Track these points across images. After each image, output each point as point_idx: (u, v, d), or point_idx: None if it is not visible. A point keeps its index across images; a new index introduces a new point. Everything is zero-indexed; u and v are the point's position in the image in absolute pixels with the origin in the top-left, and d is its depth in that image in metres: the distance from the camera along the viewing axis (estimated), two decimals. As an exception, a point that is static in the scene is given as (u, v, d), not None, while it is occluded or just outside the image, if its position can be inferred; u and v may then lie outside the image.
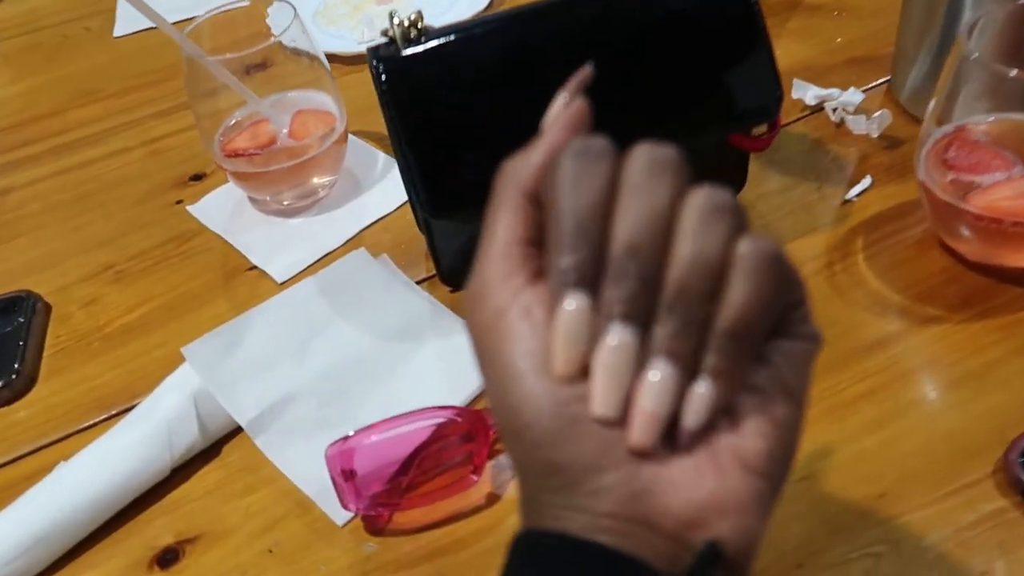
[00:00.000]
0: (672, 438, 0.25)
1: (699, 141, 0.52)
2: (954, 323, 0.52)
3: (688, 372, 0.24)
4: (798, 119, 0.68)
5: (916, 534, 0.43)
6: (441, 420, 0.49)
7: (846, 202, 0.60)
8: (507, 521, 0.47)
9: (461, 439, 0.49)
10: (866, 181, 0.61)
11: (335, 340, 0.56)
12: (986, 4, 0.57)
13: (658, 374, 0.24)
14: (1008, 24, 0.52)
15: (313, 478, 0.50)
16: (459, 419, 0.48)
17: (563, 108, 0.28)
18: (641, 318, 0.24)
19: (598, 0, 0.50)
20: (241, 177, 0.68)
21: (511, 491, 0.49)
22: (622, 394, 0.25)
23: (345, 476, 0.47)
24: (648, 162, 0.25)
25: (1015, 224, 0.49)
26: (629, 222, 0.24)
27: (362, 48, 0.82)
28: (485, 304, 0.26)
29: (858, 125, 0.65)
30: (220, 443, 0.54)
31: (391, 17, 0.50)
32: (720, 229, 0.24)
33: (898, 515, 0.43)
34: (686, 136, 0.51)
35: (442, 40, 0.50)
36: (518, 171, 0.27)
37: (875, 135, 0.64)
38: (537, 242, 0.26)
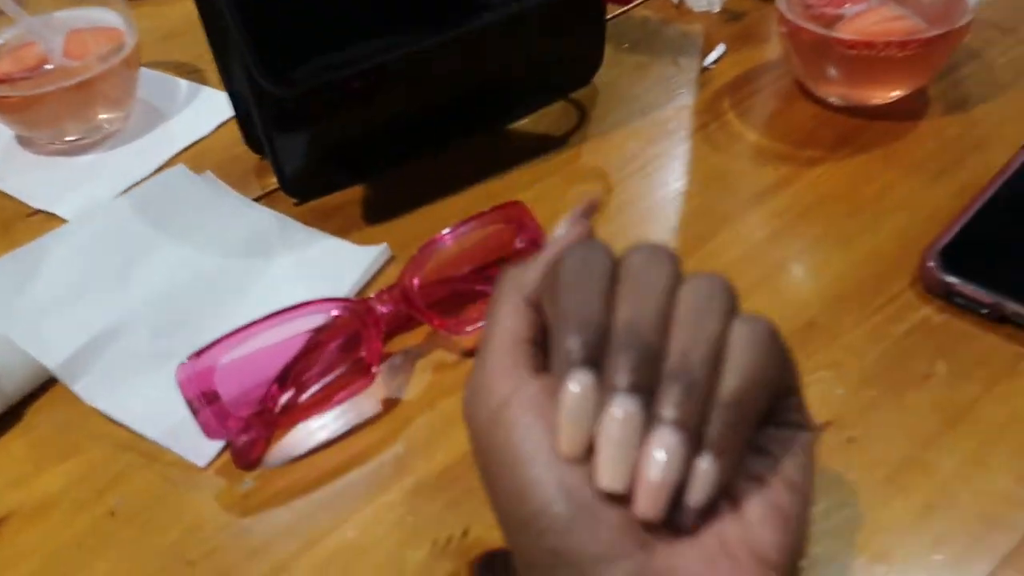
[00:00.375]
0: (682, 527, 0.24)
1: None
2: (837, 160, 0.50)
3: (691, 444, 0.24)
4: (637, 4, 0.65)
5: (856, 353, 0.40)
6: (320, 318, 0.40)
7: (705, 70, 0.58)
8: (410, 426, 0.40)
9: (347, 341, 0.41)
10: (720, 48, 0.59)
11: (162, 263, 0.46)
12: None
13: (662, 442, 0.23)
14: None
15: (157, 419, 0.40)
16: (342, 313, 0.40)
17: (569, 228, 0.29)
18: (644, 391, 0.24)
19: None
20: (6, 109, 0.56)
21: (412, 392, 0.41)
22: (627, 466, 0.24)
23: (207, 399, 0.38)
24: (646, 253, 0.26)
25: (887, 45, 0.48)
26: (629, 303, 0.25)
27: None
28: (488, 396, 0.26)
29: (699, 2, 0.63)
30: (20, 407, 0.42)
31: None
32: (718, 307, 0.25)
33: (833, 339, 0.41)
34: None
35: None
36: (520, 279, 0.28)
37: (716, 9, 0.63)
38: (540, 343, 0.27)
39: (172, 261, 0.46)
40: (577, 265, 0.26)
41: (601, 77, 0.58)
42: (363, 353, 0.40)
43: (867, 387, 0.38)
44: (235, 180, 0.54)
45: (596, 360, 0.24)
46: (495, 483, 0.25)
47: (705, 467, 0.24)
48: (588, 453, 0.24)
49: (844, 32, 0.49)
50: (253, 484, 0.38)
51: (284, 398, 0.40)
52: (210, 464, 0.39)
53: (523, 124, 0.56)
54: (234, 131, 0.55)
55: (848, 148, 0.51)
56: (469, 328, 0.41)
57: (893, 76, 0.51)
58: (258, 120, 0.48)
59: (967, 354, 0.39)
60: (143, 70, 0.62)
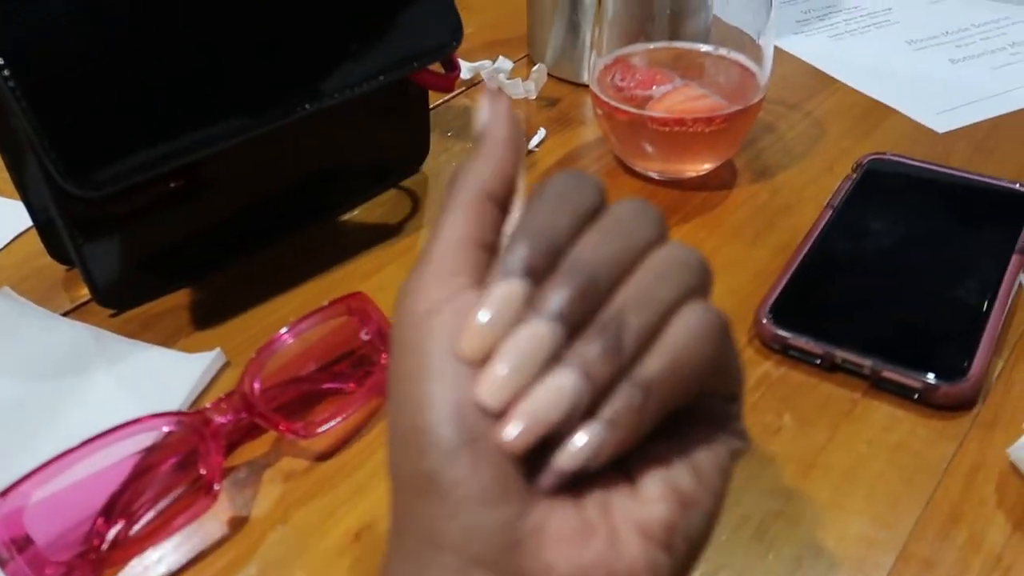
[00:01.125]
0: (538, 487, 0.23)
1: (378, 80, 0.47)
2: (664, 231, 0.52)
3: (587, 400, 0.22)
4: (458, 93, 0.66)
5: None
6: (149, 437, 0.36)
7: (529, 153, 0.60)
8: (262, 546, 0.36)
9: (182, 459, 0.38)
10: (541, 132, 0.61)
11: (-45, 394, 0.41)
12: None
13: (560, 381, 0.22)
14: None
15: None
16: (176, 428, 0.36)
17: (490, 107, 0.26)
18: (568, 328, 0.22)
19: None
20: None
21: (261, 507, 0.38)
22: (513, 388, 0.22)
23: (18, 546, 0.33)
24: (636, 206, 0.24)
25: (695, 121, 0.51)
26: (595, 240, 0.23)
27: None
28: (418, 298, 0.23)
29: (516, 89, 0.65)
30: None
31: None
32: (681, 281, 0.23)
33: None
34: (363, 78, 0.48)
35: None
36: (478, 170, 0.25)
37: (534, 96, 0.65)
38: (490, 247, 0.24)
39: (-33, 391, 0.41)
40: (562, 187, 0.24)
41: (430, 164, 0.58)
42: (202, 470, 0.37)
43: (723, 446, 0.39)
44: (40, 295, 0.49)
45: (536, 277, 0.22)
46: (394, 394, 0.23)
47: (588, 433, 0.22)
48: (484, 360, 0.22)
49: (655, 111, 0.52)
50: (81, 637, 0.33)
51: (112, 532, 0.36)
52: (26, 621, 0.34)
53: (357, 215, 0.55)
54: (34, 242, 0.50)
55: (673, 218, 0.53)
56: (320, 429, 0.39)
57: (703, 149, 0.54)
58: (62, 227, 0.44)
59: (808, 404, 0.41)
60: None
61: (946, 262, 0.47)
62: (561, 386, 0.22)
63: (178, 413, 0.37)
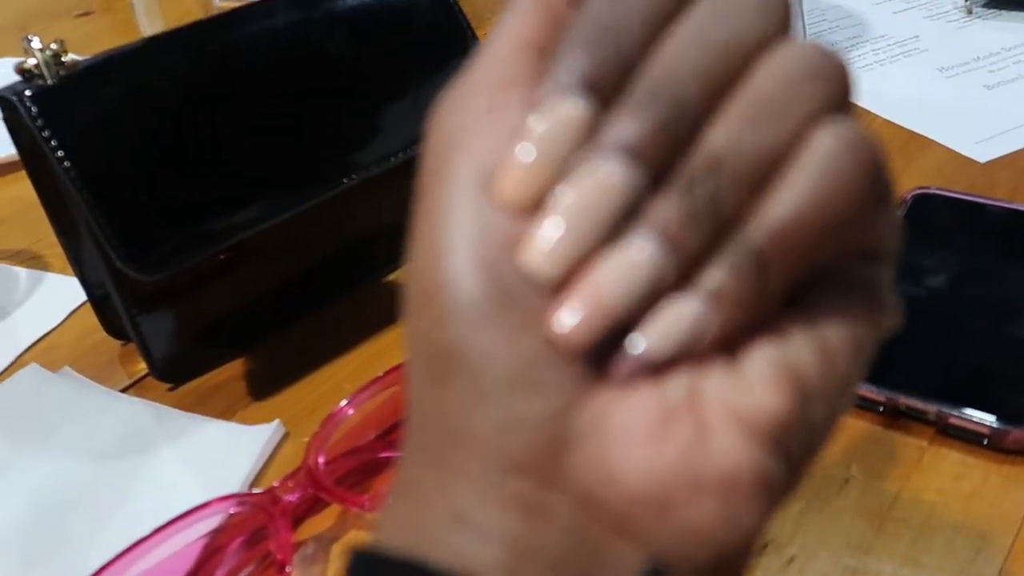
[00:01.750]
0: (611, 375, 0.17)
1: (415, 149, 0.48)
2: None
3: (680, 272, 0.16)
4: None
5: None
6: (213, 521, 0.37)
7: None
8: (336, 623, 0.36)
9: (249, 538, 0.38)
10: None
11: (23, 479, 0.41)
12: None
13: (639, 250, 0.16)
14: None
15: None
16: (239, 509, 0.37)
17: None
18: (650, 171, 0.16)
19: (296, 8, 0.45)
20: None
21: (331, 583, 0.38)
22: (571, 253, 0.16)
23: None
24: None
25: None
26: (688, 42, 0.16)
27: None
28: (460, 109, 0.18)
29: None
30: None
31: (28, 42, 0.40)
32: (810, 99, 0.16)
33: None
34: (401, 147, 0.49)
35: (103, 66, 0.41)
36: None
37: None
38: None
39: (35, 476, 0.41)
40: None
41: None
42: (273, 549, 0.37)
43: (794, 499, 0.39)
44: (98, 372, 0.49)
45: (603, 93, 0.16)
46: (416, 233, 0.17)
47: (684, 309, 0.16)
48: (532, 206, 0.16)
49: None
50: None
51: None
52: None
53: (397, 275, 0.55)
54: (88, 318, 0.51)
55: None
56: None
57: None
58: (119, 303, 0.45)
59: (876, 453, 0.41)
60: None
61: (1004, 299, 0.46)
62: (637, 258, 0.16)
63: (246, 494, 0.37)
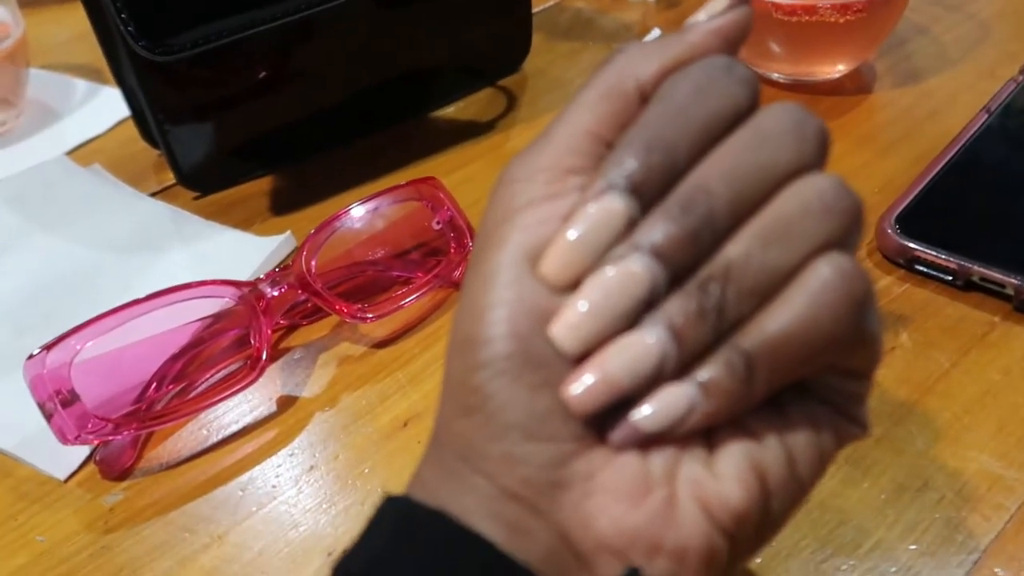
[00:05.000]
0: (608, 440, 0.19)
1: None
2: (783, 135, 0.47)
3: (681, 365, 0.18)
4: (571, -6, 0.62)
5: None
6: (204, 307, 0.35)
7: (641, 53, 0.55)
8: (307, 426, 0.34)
9: (241, 336, 0.36)
10: (656, 32, 0.56)
11: (32, 255, 0.41)
12: None
13: (649, 338, 0.18)
14: None
15: (13, 427, 0.34)
16: (225, 297, 0.35)
17: (723, 8, 0.21)
18: (672, 272, 0.18)
19: None
20: None
21: (312, 388, 0.36)
22: (593, 331, 0.18)
23: (62, 400, 0.32)
24: (791, 118, 0.19)
25: (831, 8, 0.45)
26: (727, 164, 0.19)
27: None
28: (517, 189, 0.20)
29: (634, -11, 0.60)
30: None
31: None
32: (820, 230, 0.18)
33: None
34: None
35: None
36: (637, 58, 0.20)
37: (652, 0, 0.60)
38: None
39: (44, 254, 0.41)
40: (702, 79, 0.19)
41: (531, 64, 0.55)
42: (252, 342, 0.35)
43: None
44: (130, 176, 0.49)
45: (646, 196, 0.19)
46: (464, 291, 0.20)
47: (677, 395, 0.18)
48: (569, 286, 0.19)
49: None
50: (121, 496, 0.33)
51: (162, 399, 0.35)
52: (72, 476, 0.33)
53: (447, 111, 0.52)
54: (132, 129, 0.50)
55: (794, 124, 0.47)
56: (373, 315, 0.36)
57: (836, 46, 0.48)
58: (146, 107, 0.44)
59: (933, 324, 0.35)
60: (40, 72, 0.58)
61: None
62: (645, 345, 0.18)
63: (230, 282, 0.35)
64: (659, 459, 0.19)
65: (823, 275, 0.18)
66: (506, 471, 0.18)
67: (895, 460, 0.30)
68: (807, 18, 0.46)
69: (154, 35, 0.38)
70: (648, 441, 0.19)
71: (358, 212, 0.38)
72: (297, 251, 0.36)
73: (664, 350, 0.18)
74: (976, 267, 0.35)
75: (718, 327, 0.18)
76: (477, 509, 0.18)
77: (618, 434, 0.19)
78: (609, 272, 0.18)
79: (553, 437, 0.18)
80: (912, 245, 0.37)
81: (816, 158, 0.19)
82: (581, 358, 0.19)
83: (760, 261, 0.18)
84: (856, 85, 0.50)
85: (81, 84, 0.58)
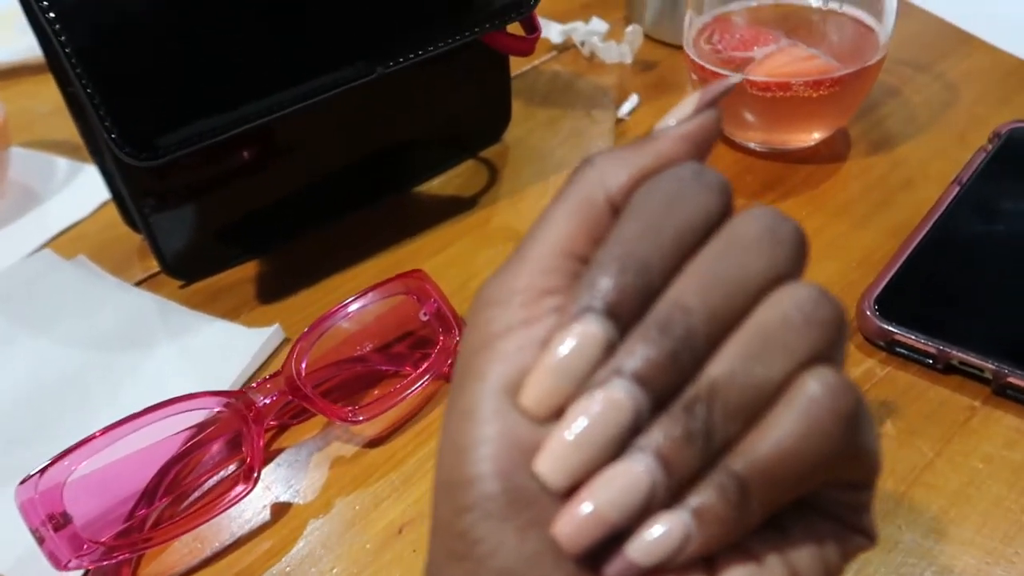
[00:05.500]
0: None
1: (449, 42, 0.44)
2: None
3: (671, 490, 0.18)
4: (548, 59, 0.63)
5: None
6: (192, 416, 0.35)
7: (620, 121, 0.55)
8: (304, 535, 0.34)
9: (231, 440, 0.36)
10: (634, 98, 0.57)
11: (19, 360, 0.41)
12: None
13: (637, 468, 0.18)
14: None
15: (8, 544, 0.34)
16: (221, 409, 0.35)
17: (691, 113, 0.21)
18: (656, 395, 0.18)
19: None
20: None
21: (306, 494, 0.36)
22: (579, 464, 0.18)
23: (55, 525, 0.32)
24: (766, 225, 0.19)
25: (802, 85, 0.46)
26: (702, 278, 0.18)
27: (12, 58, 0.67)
28: (495, 317, 0.19)
29: (610, 53, 0.61)
30: None
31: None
32: (806, 346, 0.18)
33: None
34: (434, 40, 0.45)
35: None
36: (606, 169, 0.20)
37: (628, 60, 0.61)
38: None
39: (33, 357, 0.41)
40: (670, 192, 0.19)
41: (511, 134, 0.55)
42: (245, 453, 0.35)
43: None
44: (115, 264, 0.49)
45: (623, 318, 0.18)
46: (444, 427, 0.19)
47: (671, 523, 0.18)
48: (551, 415, 0.18)
49: (756, 75, 0.47)
50: (117, 618, 0.33)
51: (155, 512, 0.35)
52: (66, 597, 0.33)
53: (430, 186, 0.52)
54: (115, 212, 0.50)
55: (773, 194, 0.48)
56: (363, 416, 0.37)
57: (810, 117, 0.49)
58: (127, 197, 0.44)
59: (915, 410, 0.36)
60: (20, 150, 0.58)
61: (1096, 250, 0.40)
62: (634, 474, 0.18)
63: (221, 393, 0.35)
64: None
65: (810, 392, 0.18)
66: None
67: (885, 559, 0.31)
68: (781, 94, 0.46)
69: (139, 141, 0.39)
70: (646, 575, 0.18)
71: (346, 310, 0.38)
72: (287, 356, 0.37)
73: (653, 478, 0.18)
74: (955, 351, 0.36)
75: (707, 450, 0.18)
76: None
77: (613, 570, 0.18)
78: (591, 401, 0.18)
79: None
80: (891, 328, 0.38)
81: (793, 263, 0.19)
82: (569, 493, 0.18)
83: (744, 379, 0.18)
84: (831, 151, 0.51)
85: (62, 163, 0.58)
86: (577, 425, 0.18)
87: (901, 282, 0.40)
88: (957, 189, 0.44)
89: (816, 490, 0.19)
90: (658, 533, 0.18)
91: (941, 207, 0.43)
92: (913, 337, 0.37)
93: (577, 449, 0.18)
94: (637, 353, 0.18)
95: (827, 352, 0.18)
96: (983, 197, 0.44)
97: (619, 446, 0.18)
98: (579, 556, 0.18)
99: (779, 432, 0.18)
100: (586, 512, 0.18)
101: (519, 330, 0.19)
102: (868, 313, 0.38)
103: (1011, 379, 0.35)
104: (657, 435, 0.18)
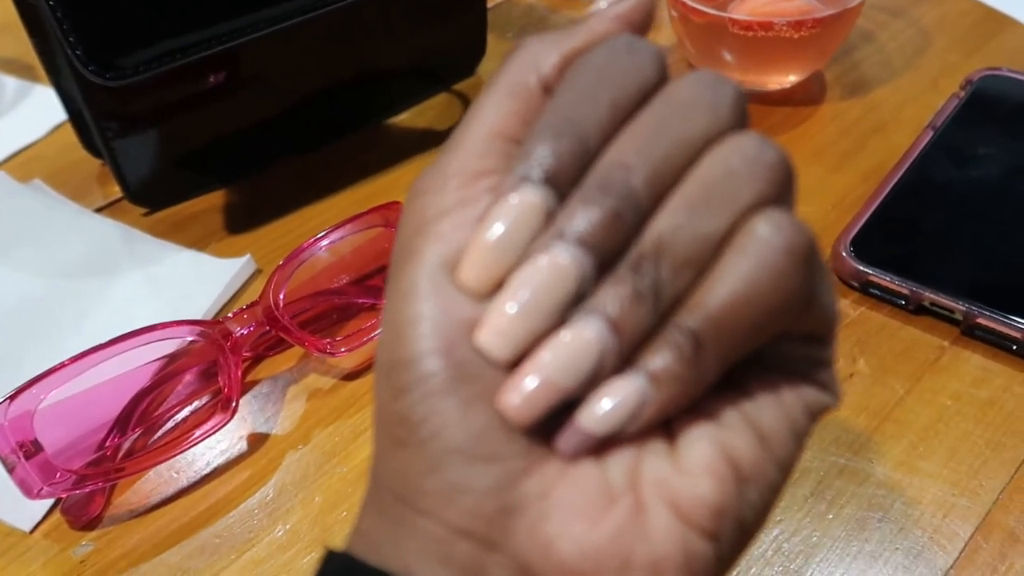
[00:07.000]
0: (557, 450, 0.18)
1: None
2: (739, 148, 0.48)
3: (622, 354, 0.17)
4: (522, -10, 0.61)
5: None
6: (168, 345, 0.34)
7: (595, 57, 0.55)
8: (281, 466, 0.34)
9: (204, 371, 0.36)
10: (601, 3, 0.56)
11: (-22, 288, 0.39)
12: None
13: (585, 332, 0.17)
14: None
15: (-27, 477, 0.33)
16: (193, 338, 0.34)
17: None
18: (600, 258, 0.17)
19: None
20: None
21: (283, 425, 0.36)
22: (524, 333, 0.17)
23: (26, 453, 0.31)
24: (704, 82, 0.18)
25: (784, 26, 0.46)
26: (641, 137, 0.18)
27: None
28: (429, 200, 0.19)
29: (585, -14, 0.60)
30: None
31: None
32: (753, 192, 0.17)
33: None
34: None
35: None
36: (538, 51, 0.19)
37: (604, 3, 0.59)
38: None
39: (-12, 285, 0.39)
40: (603, 61, 0.18)
41: (485, 67, 0.54)
42: (221, 384, 0.35)
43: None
44: (73, 189, 0.47)
45: (561, 185, 0.17)
46: (385, 308, 0.19)
47: (625, 388, 0.17)
48: (490, 290, 0.18)
49: (737, 12, 0.46)
50: (91, 547, 0.32)
51: (128, 442, 0.34)
52: (37, 527, 0.33)
53: (403, 119, 0.51)
54: (72, 135, 0.48)
55: (748, 135, 0.48)
56: (344, 348, 0.36)
57: (789, 58, 0.48)
58: (91, 120, 0.42)
59: (888, 349, 0.37)
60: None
61: (1062, 197, 0.41)
62: (582, 339, 0.17)
63: (197, 322, 0.34)
64: (617, 464, 0.17)
65: (759, 233, 0.17)
66: (449, 504, 0.17)
67: (857, 491, 0.32)
68: (763, 33, 0.46)
69: (104, 58, 0.37)
70: (601, 445, 0.17)
71: (323, 241, 0.38)
72: (265, 286, 0.36)
73: (603, 342, 0.17)
74: (927, 293, 0.37)
75: (657, 309, 0.17)
76: (424, 556, 0.17)
77: (567, 442, 0.17)
78: (533, 268, 0.17)
79: (496, 456, 0.17)
80: (866, 269, 0.38)
81: (733, 120, 0.18)
82: (514, 365, 0.17)
83: (690, 231, 0.17)
84: (806, 94, 0.51)
85: (10, 83, 0.55)
86: (519, 294, 0.17)
87: (875, 225, 0.40)
88: (930, 134, 0.45)
89: (773, 344, 0.19)
90: (612, 398, 0.17)
91: (915, 152, 0.44)
92: (887, 278, 0.38)
93: (520, 319, 0.17)
94: (578, 215, 0.17)
95: (775, 196, 0.18)
96: (955, 143, 0.44)
97: (565, 313, 0.17)
98: (527, 427, 0.17)
99: (731, 279, 0.17)
100: (534, 380, 0.17)
101: (455, 211, 0.18)
102: (843, 254, 0.39)
103: (980, 320, 0.36)
104: (604, 297, 0.17)
